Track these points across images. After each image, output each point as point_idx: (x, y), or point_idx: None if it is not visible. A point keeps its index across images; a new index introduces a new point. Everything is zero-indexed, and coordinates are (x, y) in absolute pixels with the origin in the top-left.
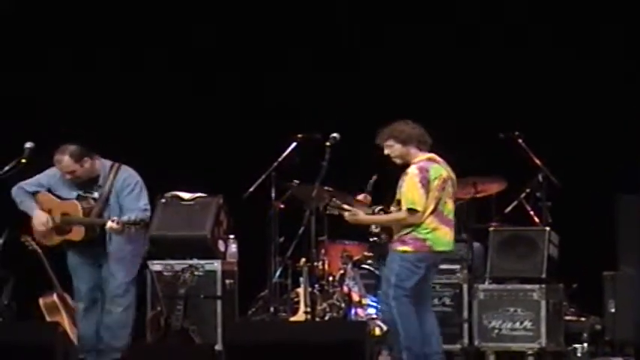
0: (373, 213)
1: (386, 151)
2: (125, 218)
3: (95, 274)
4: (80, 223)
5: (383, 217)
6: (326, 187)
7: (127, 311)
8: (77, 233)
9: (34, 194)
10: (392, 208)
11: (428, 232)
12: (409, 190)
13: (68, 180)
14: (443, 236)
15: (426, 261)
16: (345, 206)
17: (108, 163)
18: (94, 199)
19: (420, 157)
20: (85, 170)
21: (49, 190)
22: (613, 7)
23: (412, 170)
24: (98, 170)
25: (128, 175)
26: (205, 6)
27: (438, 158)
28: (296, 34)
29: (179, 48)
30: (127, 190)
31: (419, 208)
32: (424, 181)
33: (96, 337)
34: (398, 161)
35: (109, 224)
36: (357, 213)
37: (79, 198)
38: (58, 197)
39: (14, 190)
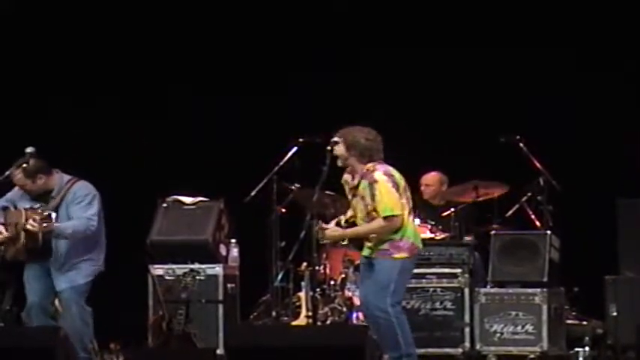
0: (339, 226)
1: (333, 147)
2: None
3: (45, 286)
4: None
5: (362, 229)
6: (327, 192)
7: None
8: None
9: (5, 209)
10: (359, 221)
11: (412, 234)
12: (385, 196)
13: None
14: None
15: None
16: (324, 226)
17: (66, 177)
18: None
19: (373, 165)
20: (38, 186)
21: (15, 205)
22: (613, 9)
23: (380, 177)
24: (54, 184)
25: (80, 187)
26: (204, 10)
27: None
28: (296, 36)
29: (180, 49)
30: (76, 201)
31: (397, 212)
32: (395, 186)
33: None
34: (339, 162)
35: (30, 222)
36: (337, 229)
37: (31, 209)
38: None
39: None
